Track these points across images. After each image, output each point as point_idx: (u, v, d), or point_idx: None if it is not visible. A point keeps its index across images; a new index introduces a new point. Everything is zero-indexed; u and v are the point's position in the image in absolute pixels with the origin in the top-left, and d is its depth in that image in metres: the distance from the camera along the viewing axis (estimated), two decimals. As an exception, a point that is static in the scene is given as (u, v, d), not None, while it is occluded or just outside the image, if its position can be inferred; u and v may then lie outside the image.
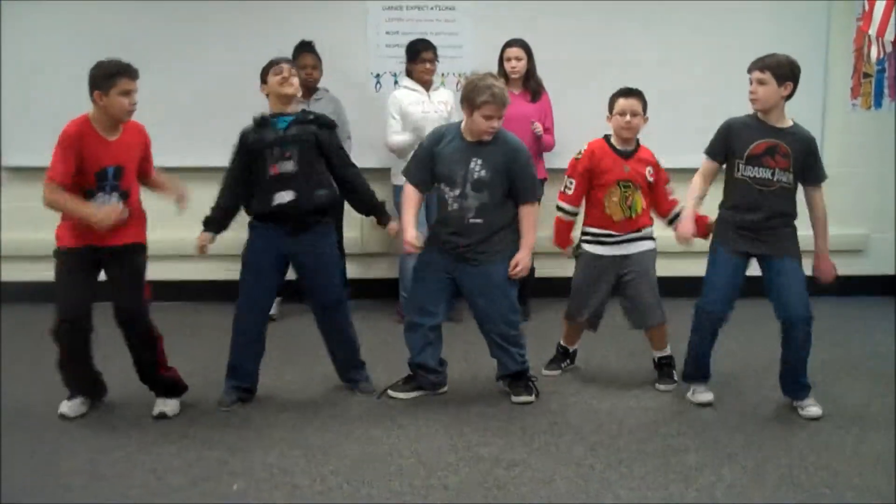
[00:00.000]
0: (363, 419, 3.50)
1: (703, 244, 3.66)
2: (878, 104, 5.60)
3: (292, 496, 2.86)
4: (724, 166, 3.57)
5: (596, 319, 3.95)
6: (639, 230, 3.83)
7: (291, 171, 3.51)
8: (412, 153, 3.82)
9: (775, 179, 3.44)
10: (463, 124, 3.60)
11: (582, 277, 3.90)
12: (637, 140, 3.85)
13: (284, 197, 3.51)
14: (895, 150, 5.55)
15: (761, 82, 3.40)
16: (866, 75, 5.54)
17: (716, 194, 3.63)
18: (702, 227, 3.63)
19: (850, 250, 5.44)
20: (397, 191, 4.40)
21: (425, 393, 3.76)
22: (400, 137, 4.67)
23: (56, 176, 3.24)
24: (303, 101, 4.52)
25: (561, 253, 4.01)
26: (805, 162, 3.47)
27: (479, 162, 3.53)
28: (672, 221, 3.86)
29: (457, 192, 3.56)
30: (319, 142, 3.57)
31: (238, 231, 3.68)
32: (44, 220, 3.50)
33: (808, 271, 3.54)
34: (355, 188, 3.73)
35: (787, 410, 3.58)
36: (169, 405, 3.52)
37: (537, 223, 3.68)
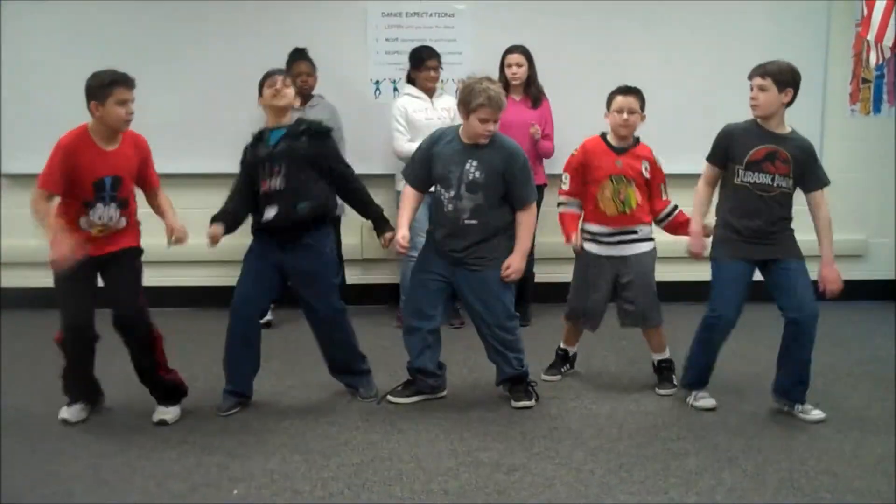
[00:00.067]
0: (363, 424, 3.50)
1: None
2: (877, 109, 5.62)
3: (293, 501, 2.86)
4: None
5: (596, 319, 3.95)
6: (634, 227, 3.83)
7: (278, 188, 3.52)
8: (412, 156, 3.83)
9: (775, 185, 3.45)
10: (460, 127, 3.61)
11: (581, 276, 3.92)
12: (637, 138, 3.86)
13: (270, 213, 3.54)
14: (894, 156, 5.57)
15: (762, 88, 3.41)
16: (865, 81, 5.56)
17: (713, 198, 3.63)
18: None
19: (850, 255, 5.45)
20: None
21: (425, 397, 3.76)
22: (410, 146, 4.65)
23: (44, 184, 3.25)
24: (299, 109, 4.52)
25: (562, 256, 4.00)
26: (806, 167, 3.47)
27: (475, 163, 3.53)
28: (661, 221, 3.87)
29: (452, 192, 3.57)
30: (310, 154, 3.56)
31: (239, 238, 3.69)
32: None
33: (811, 276, 3.52)
34: (352, 193, 3.74)
35: (787, 414, 3.58)
36: (169, 412, 3.51)
37: (534, 229, 3.68)
